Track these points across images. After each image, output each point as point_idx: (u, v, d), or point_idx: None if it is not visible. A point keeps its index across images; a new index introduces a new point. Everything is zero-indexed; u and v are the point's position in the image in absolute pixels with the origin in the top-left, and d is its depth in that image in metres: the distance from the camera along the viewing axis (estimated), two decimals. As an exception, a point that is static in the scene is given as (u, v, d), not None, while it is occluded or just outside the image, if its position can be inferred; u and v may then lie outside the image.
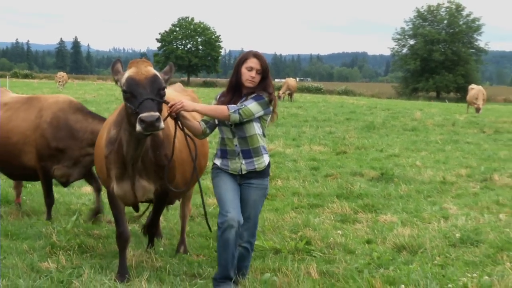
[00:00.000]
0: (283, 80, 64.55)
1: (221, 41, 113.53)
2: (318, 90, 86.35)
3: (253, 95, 6.98)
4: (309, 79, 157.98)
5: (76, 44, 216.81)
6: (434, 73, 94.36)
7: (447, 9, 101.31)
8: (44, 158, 9.84)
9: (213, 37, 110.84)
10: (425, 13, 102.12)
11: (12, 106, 10.32)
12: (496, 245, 9.24)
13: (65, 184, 10.62)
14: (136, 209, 8.42)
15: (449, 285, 7.46)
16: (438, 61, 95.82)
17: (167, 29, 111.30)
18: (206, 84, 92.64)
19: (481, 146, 22.14)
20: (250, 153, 7.04)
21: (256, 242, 8.24)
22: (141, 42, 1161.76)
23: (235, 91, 7.14)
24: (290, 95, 51.80)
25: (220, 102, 7.12)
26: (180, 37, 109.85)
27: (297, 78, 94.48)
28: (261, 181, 7.16)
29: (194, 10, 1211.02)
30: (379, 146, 21.31)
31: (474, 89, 41.36)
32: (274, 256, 8.56)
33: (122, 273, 7.56)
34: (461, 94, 79.16)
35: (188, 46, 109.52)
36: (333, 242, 9.20)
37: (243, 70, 7.08)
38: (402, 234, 9.62)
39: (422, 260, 8.61)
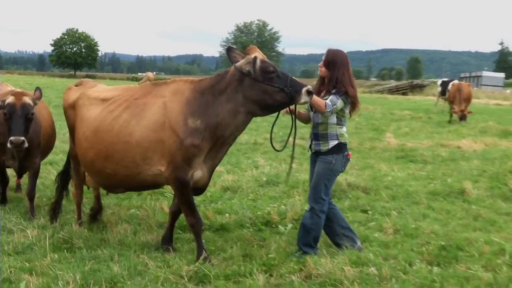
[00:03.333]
0: (143, 74, 63.52)
1: (98, 45, 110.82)
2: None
3: (335, 91, 5.99)
4: (162, 73, 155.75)
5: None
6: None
7: (257, 25, 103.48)
8: None
9: (92, 42, 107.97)
10: (242, 27, 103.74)
11: None
12: (290, 185, 9.45)
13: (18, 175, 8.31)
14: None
15: (258, 213, 7.58)
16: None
17: (58, 37, 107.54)
18: (88, 77, 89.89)
19: (280, 118, 22.50)
20: (318, 136, 6.20)
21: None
22: (39, 46, 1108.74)
23: (322, 81, 6.27)
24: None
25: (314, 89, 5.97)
26: (68, 42, 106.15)
27: (154, 73, 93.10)
28: (325, 157, 6.14)
29: (78, 22, 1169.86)
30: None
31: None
32: (137, 197, 8.43)
33: (201, 253, 5.88)
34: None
35: (74, 49, 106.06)
36: (179, 186, 9.18)
37: None
38: (227, 179, 9.70)
39: (240, 196, 8.74)
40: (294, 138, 6.28)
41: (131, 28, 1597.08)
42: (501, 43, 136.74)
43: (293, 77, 5.70)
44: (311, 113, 6.25)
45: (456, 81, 25.70)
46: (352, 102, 6.16)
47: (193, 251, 6.14)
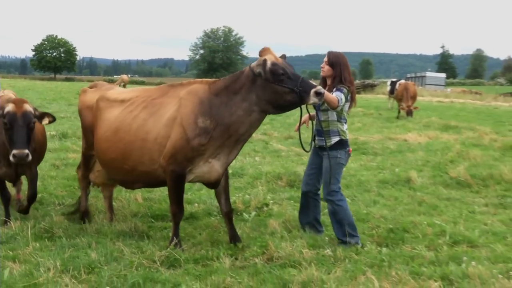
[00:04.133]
0: (118, 76, 62.88)
1: (77, 50, 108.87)
2: (142, 83, 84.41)
3: (337, 88, 5.93)
4: (136, 75, 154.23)
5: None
6: (216, 71, 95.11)
7: (223, 31, 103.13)
8: None
9: (71, 47, 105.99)
10: (210, 33, 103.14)
11: None
12: (254, 176, 9.50)
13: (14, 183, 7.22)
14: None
15: (225, 202, 7.59)
16: (218, 64, 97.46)
17: (39, 42, 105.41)
18: (67, 79, 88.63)
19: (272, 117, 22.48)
20: (321, 133, 6.10)
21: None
22: (20, 51, 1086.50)
23: (324, 82, 6.22)
24: (124, 86, 49.95)
25: None
26: (48, 48, 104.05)
27: (129, 75, 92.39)
28: (330, 152, 6.05)
29: (57, 29, 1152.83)
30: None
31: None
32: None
33: (173, 240, 5.79)
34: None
35: (54, 54, 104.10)
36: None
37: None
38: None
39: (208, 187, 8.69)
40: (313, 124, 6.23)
41: (108, 34, 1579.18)
42: (442, 47, 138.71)
43: (304, 78, 5.53)
44: (315, 111, 6.16)
45: (403, 81, 26.04)
46: (351, 98, 6.16)
47: (165, 238, 6.13)
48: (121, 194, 7.96)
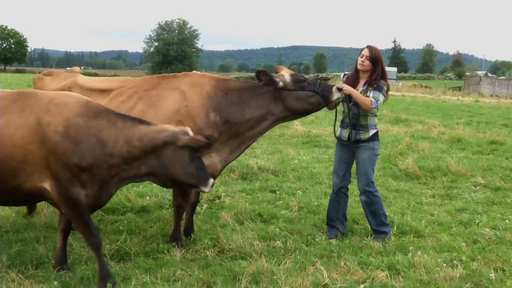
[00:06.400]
0: (70, 68, 61.63)
1: (27, 41, 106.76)
2: (95, 75, 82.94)
3: (377, 86, 5.95)
4: (89, 68, 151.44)
5: None
6: (171, 64, 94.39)
7: (178, 24, 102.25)
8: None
9: (21, 39, 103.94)
10: (164, 25, 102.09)
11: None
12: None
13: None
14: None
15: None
16: (173, 56, 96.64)
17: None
18: (18, 71, 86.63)
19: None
20: (358, 126, 6.02)
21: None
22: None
23: (356, 75, 6.12)
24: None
25: (345, 82, 6.13)
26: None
27: (82, 67, 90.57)
28: (367, 144, 6.05)
29: (7, 20, 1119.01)
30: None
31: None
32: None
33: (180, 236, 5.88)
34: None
35: (4, 45, 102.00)
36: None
37: (358, 58, 6.10)
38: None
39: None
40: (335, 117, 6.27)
41: (60, 25, 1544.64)
42: (394, 41, 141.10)
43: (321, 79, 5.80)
44: (350, 104, 6.02)
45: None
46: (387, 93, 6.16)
47: (116, 231, 6.05)
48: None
